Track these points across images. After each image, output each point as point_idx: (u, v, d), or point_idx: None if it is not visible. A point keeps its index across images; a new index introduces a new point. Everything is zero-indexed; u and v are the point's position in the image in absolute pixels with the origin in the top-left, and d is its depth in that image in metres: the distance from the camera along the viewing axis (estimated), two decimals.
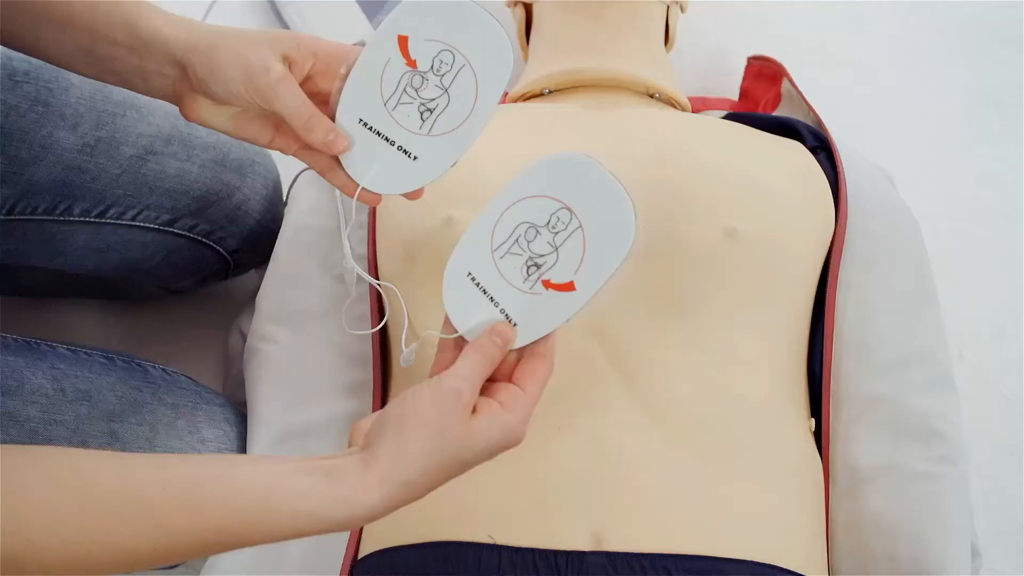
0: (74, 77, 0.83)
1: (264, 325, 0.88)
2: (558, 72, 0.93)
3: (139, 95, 0.85)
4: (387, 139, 0.68)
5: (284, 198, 0.98)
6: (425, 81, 0.68)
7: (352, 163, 0.69)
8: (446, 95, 0.68)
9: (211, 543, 0.53)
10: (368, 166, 0.69)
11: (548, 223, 0.66)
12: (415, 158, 0.68)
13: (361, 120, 0.68)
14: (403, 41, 0.68)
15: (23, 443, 0.70)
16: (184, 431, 0.78)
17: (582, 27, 0.94)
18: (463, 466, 0.59)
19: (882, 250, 0.86)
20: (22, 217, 0.82)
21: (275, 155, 0.99)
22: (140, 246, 0.90)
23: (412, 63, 0.68)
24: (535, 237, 0.67)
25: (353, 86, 0.68)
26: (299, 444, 0.82)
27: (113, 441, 0.74)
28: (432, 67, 0.67)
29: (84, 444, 0.73)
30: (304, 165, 0.93)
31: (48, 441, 0.71)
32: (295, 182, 0.96)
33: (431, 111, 0.68)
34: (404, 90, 0.68)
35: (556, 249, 0.66)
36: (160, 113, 0.87)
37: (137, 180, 0.86)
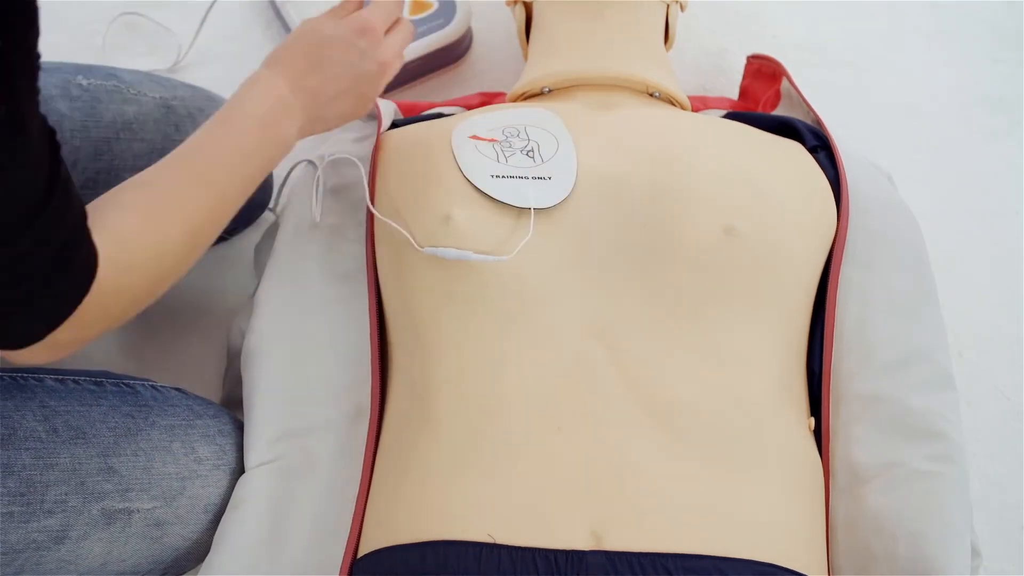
0: (63, 107, 0.82)
1: (263, 324, 0.88)
2: (558, 71, 0.93)
3: (126, 110, 0.85)
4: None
5: (278, 191, 0.97)
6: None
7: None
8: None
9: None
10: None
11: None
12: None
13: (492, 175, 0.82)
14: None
15: (20, 492, 0.69)
16: (180, 454, 0.78)
17: (582, 26, 0.94)
18: (322, 45, 0.74)
19: (882, 249, 0.86)
20: None
21: None
22: None
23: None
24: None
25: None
26: (298, 443, 0.81)
27: (111, 476, 0.73)
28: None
29: (82, 484, 0.72)
30: (298, 161, 0.93)
31: (45, 486, 0.70)
32: (290, 178, 0.96)
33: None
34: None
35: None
36: (150, 124, 0.86)
37: None
